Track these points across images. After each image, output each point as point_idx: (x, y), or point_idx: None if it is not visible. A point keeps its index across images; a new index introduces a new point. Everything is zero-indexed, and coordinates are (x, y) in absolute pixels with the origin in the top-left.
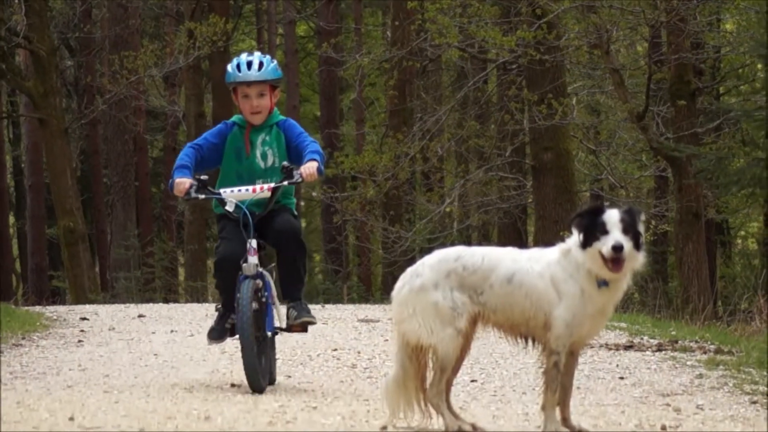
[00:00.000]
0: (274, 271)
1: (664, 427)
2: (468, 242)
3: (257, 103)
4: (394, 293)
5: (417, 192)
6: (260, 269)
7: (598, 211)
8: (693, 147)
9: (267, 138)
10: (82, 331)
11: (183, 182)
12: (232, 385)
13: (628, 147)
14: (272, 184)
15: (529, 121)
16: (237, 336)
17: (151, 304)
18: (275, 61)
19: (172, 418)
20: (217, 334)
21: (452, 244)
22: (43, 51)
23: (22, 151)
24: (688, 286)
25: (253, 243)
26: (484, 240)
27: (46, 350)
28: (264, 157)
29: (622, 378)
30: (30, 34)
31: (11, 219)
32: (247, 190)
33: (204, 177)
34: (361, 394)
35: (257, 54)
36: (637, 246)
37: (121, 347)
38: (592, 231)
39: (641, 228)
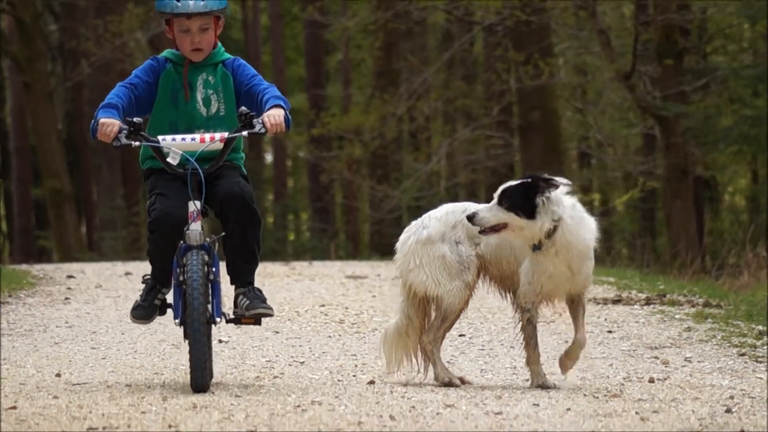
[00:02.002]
0: (217, 244)
1: (652, 380)
2: (455, 201)
3: (199, 38)
4: (399, 245)
5: (404, 151)
6: (207, 239)
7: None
8: (680, 105)
9: (210, 79)
10: (69, 288)
11: (109, 123)
12: (220, 341)
13: (616, 106)
14: (226, 134)
15: (516, 81)
16: (173, 316)
17: (137, 263)
18: None
19: (159, 374)
20: (143, 312)
21: (440, 202)
22: (27, 16)
23: (7, 114)
24: (676, 241)
25: (198, 205)
26: (472, 198)
27: (32, 308)
28: (207, 102)
29: (610, 332)
30: None
31: None
32: (193, 139)
33: (137, 119)
34: (348, 349)
35: None
36: (526, 214)
37: (108, 304)
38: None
39: (541, 197)
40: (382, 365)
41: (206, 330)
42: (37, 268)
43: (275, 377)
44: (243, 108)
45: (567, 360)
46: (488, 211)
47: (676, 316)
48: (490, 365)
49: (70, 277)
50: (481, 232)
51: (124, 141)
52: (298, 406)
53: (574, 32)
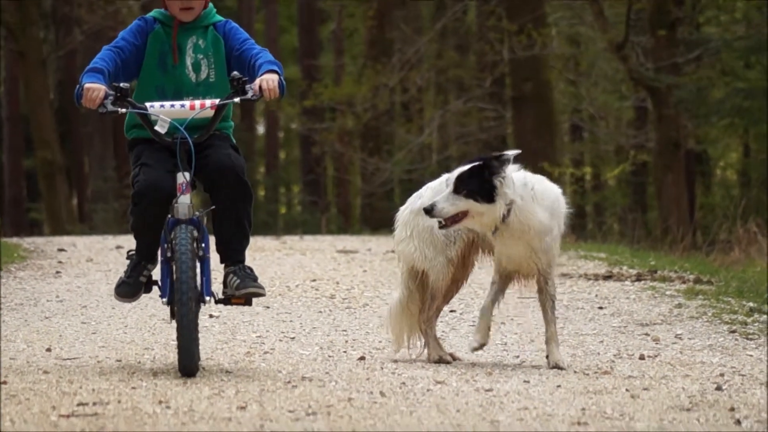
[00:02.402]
0: (206, 219)
1: (642, 357)
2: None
3: None
4: (398, 214)
5: (396, 123)
6: (196, 213)
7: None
8: (673, 77)
9: (201, 43)
10: (60, 262)
11: (95, 89)
12: (210, 316)
13: (608, 77)
14: (217, 101)
15: (509, 51)
16: (160, 294)
17: (128, 236)
18: None
19: (149, 349)
20: (128, 289)
21: (431, 175)
22: None
23: None
24: (667, 216)
25: (187, 176)
26: None
27: (23, 281)
28: (196, 67)
29: (601, 308)
30: None
31: None
32: (182, 105)
33: (124, 85)
34: (339, 324)
35: None
36: (484, 198)
37: (98, 278)
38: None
39: (498, 177)
40: (374, 341)
41: (195, 310)
42: (28, 241)
43: (266, 353)
44: (235, 73)
45: (550, 354)
46: (446, 200)
47: (667, 293)
48: None
49: (61, 250)
50: (442, 226)
51: (110, 107)
52: (289, 382)
53: (568, 2)
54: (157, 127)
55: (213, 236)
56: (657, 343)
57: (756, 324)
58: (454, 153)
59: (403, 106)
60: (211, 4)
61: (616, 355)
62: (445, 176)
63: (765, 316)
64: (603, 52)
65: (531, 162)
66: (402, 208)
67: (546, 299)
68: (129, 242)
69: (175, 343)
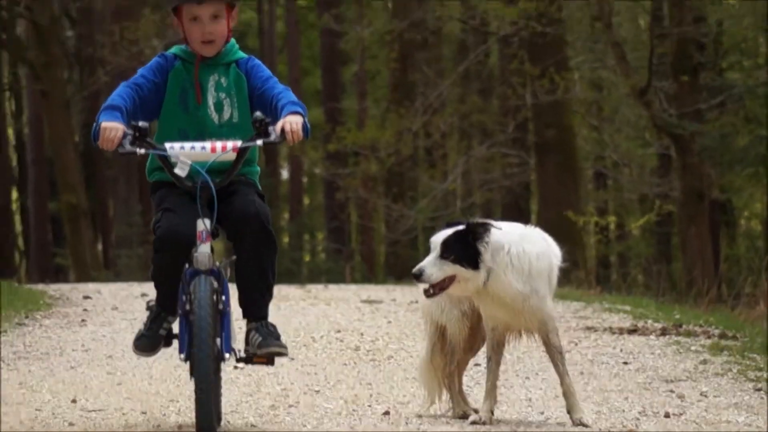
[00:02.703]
0: (228, 269)
1: (667, 414)
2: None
3: (211, 28)
4: None
5: (420, 168)
6: (217, 263)
7: (435, 232)
8: (696, 124)
9: (223, 81)
10: (85, 310)
11: (112, 128)
12: (235, 367)
13: (631, 123)
14: (239, 143)
15: (532, 96)
16: (178, 350)
17: (152, 284)
18: None
19: (174, 401)
20: (147, 343)
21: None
22: (44, 21)
23: (24, 124)
24: (691, 268)
25: (207, 224)
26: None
27: (49, 330)
28: (218, 107)
29: (625, 363)
30: (31, 3)
31: (14, 194)
32: (203, 147)
33: (143, 124)
34: (364, 377)
35: None
36: (470, 264)
37: (124, 327)
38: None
39: (482, 243)
40: (399, 394)
41: (214, 367)
42: (53, 288)
43: (290, 406)
44: (258, 114)
45: (572, 410)
46: (434, 265)
47: (692, 348)
48: (504, 396)
49: (86, 298)
50: (429, 295)
51: (128, 148)
52: None
53: (590, 45)
54: (176, 170)
55: (235, 287)
56: (682, 401)
57: None
58: (477, 200)
59: (427, 152)
60: (233, 40)
61: (641, 413)
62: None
63: None
64: (626, 98)
65: (554, 209)
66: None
67: (553, 353)
68: (153, 290)
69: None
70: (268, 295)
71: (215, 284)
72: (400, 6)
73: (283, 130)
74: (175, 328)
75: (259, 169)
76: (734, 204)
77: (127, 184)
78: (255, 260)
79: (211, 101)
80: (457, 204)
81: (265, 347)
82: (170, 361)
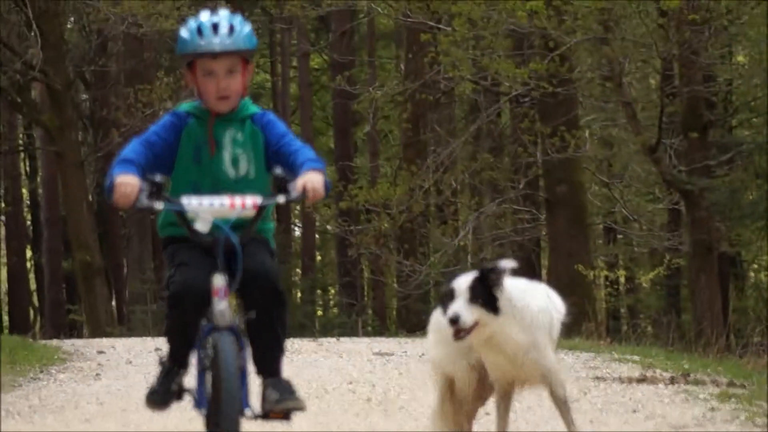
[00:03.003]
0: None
1: None
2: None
3: (226, 83)
4: (431, 318)
5: (431, 225)
6: (235, 320)
7: (453, 278)
8: (706, 180)
9: (238, 136)
10: (99, 364)
11: (128, 183)
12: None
13: (641, 179)
14: (259, 199)
15: (542, 153)
16: (195, 404)
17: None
18: (249, 24)
19: None
20: (160, 398)
21: None
22: (58, 84)
23: (38, 184)
24: (701, 318)
25: (226, 280)
26: None
27: (64, 384)
28: (235, 162)
29: (634, 411)
30: (46, 67)
31: (28, 253)
32: (222, 204)
33: (159, 178)
34: (375, 427)
35: (224, 13)
36: (492, 310)
37: (138, 381)
38: (445, 299)
39: (499, 288)
40: None
41: (241, 423)
42: (68, 343)
43: None
44: (278, 170)
45: None
46: (466, 309)
47: (700, 396)
48: None
49: (100, 352)
50: (459, 338)
51: (145, 203)
52: None
53: (600, 104)
54: (197, 226)
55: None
56: None
57: None
58: (489, 255)
59: (438, 208)
60: (248, 97)
61: None
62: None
63: None
64: (636, 155)
65: (564, 264)
66: (434, 313)
67: (560, 404)
68: (166, 345)
69: None
70: (279, 351)
71: (236, 341)
72: (411, 67)
73: (304, 189)
74: (188, 382)
75: (273, 225)
76: (743, 257)
77: (141, 242)
78: (265, 318)
79: (227, 156)
80: (468, 259)
81: (282, 403)
82: (184, 413)
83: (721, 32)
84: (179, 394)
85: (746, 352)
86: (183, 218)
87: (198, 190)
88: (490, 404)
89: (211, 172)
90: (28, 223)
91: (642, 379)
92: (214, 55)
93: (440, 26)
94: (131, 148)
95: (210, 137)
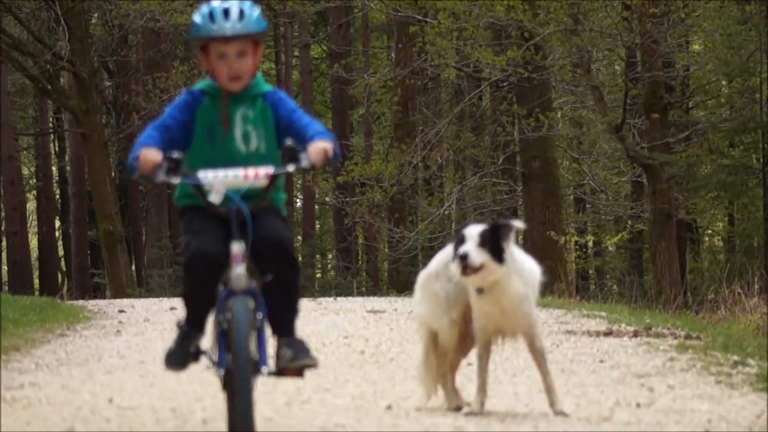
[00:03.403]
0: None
1: (639, 405)
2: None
3: (237, 65)
4: (418, 278)
5: (419, 196)
6: (253, 283)
7: (463, 227)
8: (665, 155)
9: (249, 113)
10: (120, 322)
11: (151, 152)
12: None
13: (608, 155)
14: (271, 169)
15: (519, 132)
16: (216, 363)
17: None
18: (258, 9)
19: (200, 399)
20: (177, 359)
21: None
22: (84, 73)
23: (66, 162)
24: (661, 278)
25: (242, 247)
26: None
27: (88, 339)
28: (246, 138)
29: (601, 361)
30: (73, 58)
31: (57, 223)
32: (236, 175)
33: (177, 155)
34: (369, 377)
35: None
36: (497, 259)
37: (155, 336)
38: (456, 244)
39: (506, 242)
40: (400, 391)
41: (252, 380)
42: (92, 304)
43: (303, 402)
44: (289, 141)
45: (553, 403)
46: (475, 251)
47: (661, 348)
48: (494, 391)
49: (121, 311)
50: (465, 274)
51: (163, 177)
52: (324, 428)
53: (571, 88)
54: (211, 198)
55: None
56: (652, 393)
57: (740, 375)
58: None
59: (425, 182)
60: (259, 74)
61: (615, 404)
62: (450, 244)
63: (748, 369)
64: (603, 133)
65: (539, 231)
66: (420, 274)
67: (537, 355)
68: (181, 304)
69: (222, 393)
70: (293, 312)
71: (251, 303)
72: (401, 56)
73: (311, 155)
74: (204, 344)
75: (285, 195)
76: (699, 223)
77: (158, 213)
78: (280, 281)
79: (238, 133)
80: (452, 227)
81: (296, 361)
82: (198, 364)
83: (679, 24)
84: (196, 355)
85: (701, 308)
86: (199, 190)
87: (212, 165)
88: (472, 355)
89: (225, 149)
90: (57, 197)
91: (608, 333)
92: (226, 39)
93: (427, 19)
94: (149, 135)
95: (223, 115)
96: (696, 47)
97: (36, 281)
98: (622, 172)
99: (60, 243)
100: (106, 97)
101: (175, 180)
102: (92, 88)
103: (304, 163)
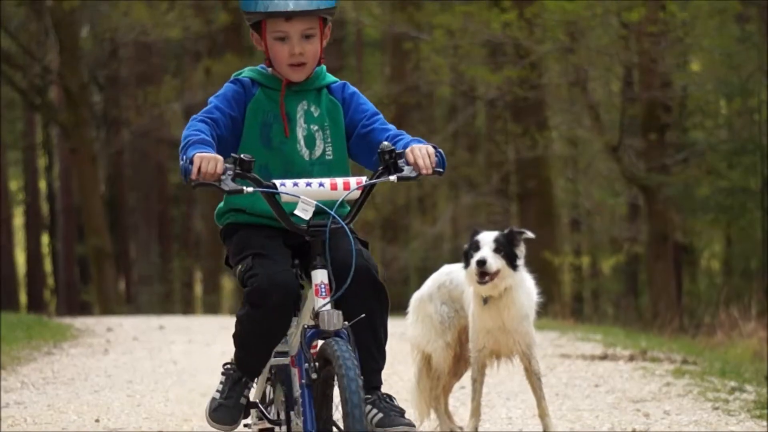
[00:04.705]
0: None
1: (634, 431)
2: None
3: (302, 48)
4: (411, 300)
5: (412, 215)
6: (345, 323)
7: (475, 233)
8: (662, 176)
9: (313, 110)
10: (107, 340)
11: (212, 158)
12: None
13: (604, 176)
14: (363, 179)
15: (514, 151)
16: (303, 426)
17: (170, 316)
18: None
19: (188, 420)
20: (227, 413)
21: (444, 262)
22: (74, 86)
23: (55, 177)
24: (657, 301)
25: (327, 275)
26: None
27: (75, 358)
28: (310, 141)
29: (596, 386)
30: (63, 71)
31: (46, 238)
32: (321, 185)
33: (246, 156)
34: None
35: None
36: (512, 265)
37: (143, 355)
38: (469, 251)
39: (519, 250)
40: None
41: None
42: (79, 321)
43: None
44: (386, 143)
45: (547, 428)
46: (492, 257)
47: (657, 372)
48: (487, 415)
49: (109, 329)
50: (484, 282)
51: (231, 185)
52: None
53: (567, 107)
54: (297, 211)
55: None
56: (647, 419)
57: (737, 402)
58: (464, 243)
59: (419, 200)
60: (323, 64)
61: (610, 429)
62: (444, 267)
63: (745, 395)
64: (599, 153)
65: (534, 251)
66: (414, 295)
67: (532, 378)
68: (170, 322)
69: None
70: (381, 360)
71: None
72: (395, 72)
73: (415, 161)
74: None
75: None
76: (695, 246)
77: (147, 229)
78: (365, 320)
79: (300, 134)
80: (445, 247)
81: (390, 426)
82: (185, 385)
83: (678, 43)
84: (247, 408)
85: (698, 332)
86: (275, 203)
87: (267, 175)
88: (464, 379)
89: (283, 155)
90: (46, 212)
91: (603, 357)
92: (288, 16)
93: (421, 36)
94: (197, 129)
95: (282, 112)
96: (695, 67)
97: (23, 297)
98: (617, 193)
99: (48, 259)
100: (95, 111)
101: (248, 189)
102: (82, 102)
103: (408, 171)
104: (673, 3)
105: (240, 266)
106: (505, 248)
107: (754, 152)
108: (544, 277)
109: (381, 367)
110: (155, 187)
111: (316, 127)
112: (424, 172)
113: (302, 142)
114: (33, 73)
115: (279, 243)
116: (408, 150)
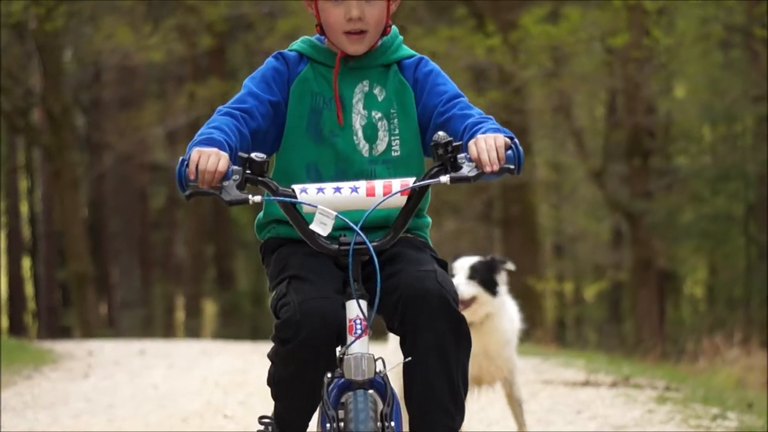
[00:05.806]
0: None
1: None
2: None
3: (360, 11)
4: None
5: None
6: (380, 370)
7: (454, 259)
8: (646, 203)
9: (377, 92)
10: (88, 365)
11: (212, 153)
12: (225, 416)
13: (588, 201)
14: (410, 180)
15: None
16: None
17: (151, 341)
18: None
19: None
20: None
21: None
22: (57, 109)
23: (36, 200)
24: (640, 328)
25: (364, 307)
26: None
27: (55, 382)
28: (370, 133)
29: (579, 412)
30: (46, 94)
31: (27, 262)
32: (354, 189)
33: (258, 156)
34: None
35: None
36: (490, 291)
37: (123, 380)
38: None
39: (498, 276)
40: None
41: None
42: (59, 345)
43: None
44: (440, 133)
45: None
46: (466, 284)
47: (639, 399)
48: None
49: (89, 353)
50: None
51: (235, 194)
52: None
53: (551, 133)
54: (314, 225)
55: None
56: None
57: (719, 429)
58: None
59: None
60: (395, 29)
61: None
62: None
63: (728, 422)
64: (583, 179)
65: (516, 277)
66: None
67: (514, 405)
68: (151, 347)
69: None
70: (459, 417)
71: (379, 403)
72: None
73: (477, 156)
74: None
75: (430, 220)
76: (679, 273)
77: (129, 254)
78: (438, 361)
79: (358, 123)
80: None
81: None
82: (165, 409)
83: (662, 69)
84: None
85: (681, 358)
86: (294, 213)
87: (318, 175)
88: None
89: (336, 150)
90: (27, 236)
91: (586, 383)
92: None
93: None
94: (217, 124)
95: (335, 94)
96: (679, 93)
97: (4, 321)
98: (601, 219)
99: (29, 283)
100: (78, 135)
101: (256, 198)
102: (65, 125)
103: (469, 170)
104: (657, 29)
105: (276, 292)
106: (482, 275)
107: (738, 179)
108: (527, 302)
109: (458, 425)
110: (137, 212)
111: (379, 115)
112: (487, 169)
113: (360, 134)
114: (16, 96)
115: (324, 262)
116: (472, 142)
